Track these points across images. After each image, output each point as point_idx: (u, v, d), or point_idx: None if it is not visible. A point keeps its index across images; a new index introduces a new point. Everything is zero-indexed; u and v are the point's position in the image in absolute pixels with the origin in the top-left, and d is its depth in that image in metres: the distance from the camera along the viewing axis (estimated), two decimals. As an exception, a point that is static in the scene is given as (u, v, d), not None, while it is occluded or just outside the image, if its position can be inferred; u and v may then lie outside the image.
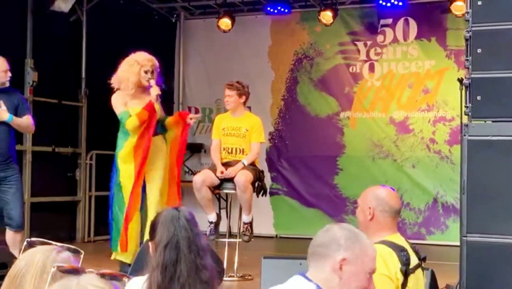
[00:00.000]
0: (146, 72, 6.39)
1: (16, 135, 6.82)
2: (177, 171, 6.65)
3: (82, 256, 2.08)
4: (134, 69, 6.38)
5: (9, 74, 6.53)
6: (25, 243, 2.13)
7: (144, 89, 6.45)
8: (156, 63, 6.51)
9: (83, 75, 9.73)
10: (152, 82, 6.40)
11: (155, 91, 6.38)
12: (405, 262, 3.32)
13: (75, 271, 1.75)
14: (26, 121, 6.55)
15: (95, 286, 1.65)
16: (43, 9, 8.95)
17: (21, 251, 2.11)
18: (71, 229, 9.57)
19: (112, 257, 6.41)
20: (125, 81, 6.38)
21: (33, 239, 2.13)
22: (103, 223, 9.80)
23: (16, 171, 6.54)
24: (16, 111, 6.50)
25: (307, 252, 2.71)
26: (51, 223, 9.07)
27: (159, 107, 6.57)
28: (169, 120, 6.69)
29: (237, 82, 7.01)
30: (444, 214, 9.77)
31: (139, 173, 6.30)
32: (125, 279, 1.78)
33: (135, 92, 6.39)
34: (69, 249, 2.08)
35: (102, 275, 1.71)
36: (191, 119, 6.69)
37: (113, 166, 6.53)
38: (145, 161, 6.32)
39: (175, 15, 11.25)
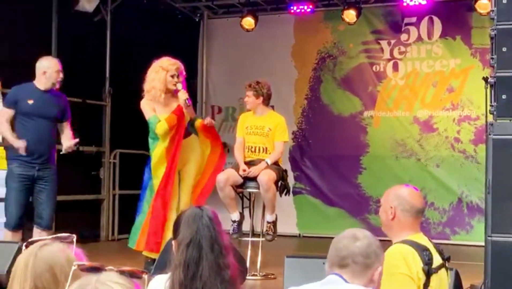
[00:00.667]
0: (172, 76, 6.41)
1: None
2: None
3: (74, 239, 2.09)
4: (160, 76, 6.40)
5: (61, 75, 6.61)
6: (23, 247, 2.14)
7: (172, 93, 6.46)
8: (181, 66, 6.52)
9: (107, 75, 9.79)
10: (179, 86, 6.42)
11: (183, 95, 6.40)
12: (427, 261, 3.30)
13: (95, 269, 1.76)
14: (71, 135, 6.70)
15: (115, 283, 1.65)
16: (67, 9, 9.02)
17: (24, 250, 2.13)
18: (95, 227, 9.63)
19: (144, 252, 6.46)
20: (152, 90, 6.41)
21: (30, 240, 2.15)
22: (127, 221, 9.87)
23: (53, 172, 6.63)
24: (62, 115, 6.63)
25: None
26: (75, 222, 9.11)
27: (190, 110, 6.60)
28: (198, 123, 6.73)
29: (257, 82, 7.00)
30: (469, 214, 9.69)
31: (168, 176, 6.32)
32: (145, 275, 1.79)
33: (163, 97, 6.41)
34: (62, 238, 2.10)
35: (122, 272, 1.72)
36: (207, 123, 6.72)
37: (146, 167, 6.56)
38: (174, 164, 6.34)
39: (198, 15, 11.28)
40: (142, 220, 6.43)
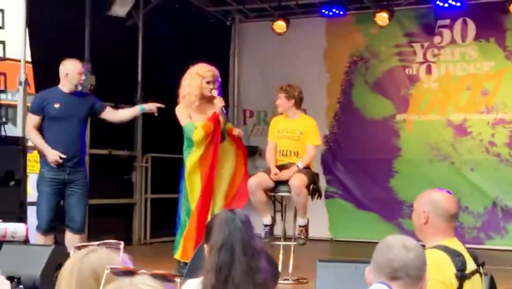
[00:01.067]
0: (208, 82, 6.41)
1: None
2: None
3: (122, 246, 2.08)
4: (196, 82, 6.41)
5: (83, 77, 6.71)
6: (72, 251, 2.15)
7: (208, 100, 6.45)
8: (217, 73, 6.52)
9: (139, 79, 9.84)
10: (215, 92, 6.42)
11: (220, 103, 6.40)
12: (460, 267, 3.24)
13: (128, 273, 1.76)
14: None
15: (148, 286, 1.65)
16: (100, 14, 9.09)
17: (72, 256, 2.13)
18: (127, 231, 9.68)
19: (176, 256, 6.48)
20: (187, 96, 6.42)
21: (79, 244, 2.15)
22: (159, 225, 9.91)
23: (84, 175, 6.70)
24: (92, 110, 6.72)
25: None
26: (108, 225, 9.19)
27: (223, 118, 6.61)
28: (227, 127, 6.75)
29: (288, 85, 6.99)
30: (503, 218, 9.57)
31: (207, 185, 6.32)
32: (177, 279, 1.78)
33: (199, 104, 6.42)
34: (109, 245, 2.09)
35: (154, 276, 1.72)
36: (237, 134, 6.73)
37: (181, 173, 6.58)
38: (213, 172, 6.34)
39: (230, 18, 11.29)
40: (183, 229, 6.42)
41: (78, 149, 6.65)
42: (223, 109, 6.42)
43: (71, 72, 6.62)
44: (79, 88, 6.69)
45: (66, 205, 6.62)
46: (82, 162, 6.72)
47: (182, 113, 6.44)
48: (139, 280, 1.68)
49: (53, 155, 6.46)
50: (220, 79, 6.57)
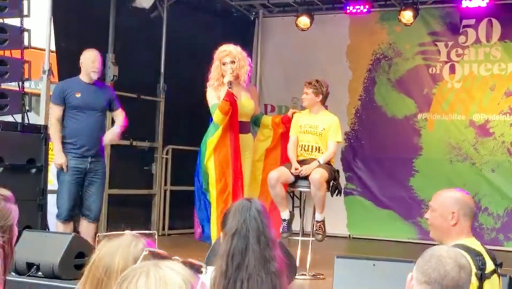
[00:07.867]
0: (224, 64, 6.59)
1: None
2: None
3: (156, 236, 2.09)
4: (215, 65, 6.61)
5: (97, 64, 6.79)
6: (97, 237, 2.16)
7: (237, 81, 6.62)
8: (233, 50, 6.63)
9: (162, 71, 9.87)
10: (227, 74, 6.53)
11: (226, 78, 6.50)
12: (481, 267, 3.23)
13: (160, 256, 1.75)
14: (123, 122, 6.86)
15: (172, 270, 1.61)
16: (125, 5, 9.14)
17: (96, 244, 2.12)
18: (146, 222, 9.72)
19: None
20: (210, 79, 6.64)
21: (105, 234, 2.14)
22: (177, 217, 9.95)
23: (104, 165, 6.82)
24: (110, 105, 6.82)
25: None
26: (127, 216, 9.24)
27: (253, 103, 6.78)
28: (268, 120, 7.01)
29: (316, 80, 6.98)
30: (524, 221, 9.50)
31: (235, 168, 6.49)
32: (204, 269, 1.76)
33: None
34: (145, 235, 2.08)
35: (183, 263, 1.70)
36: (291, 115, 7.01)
37: (198, 154, 6.75)
38: (236, 154, 6.50)
39: (254, 13, 11.29)
40: (213, 212, 6.56)
41: (99, 139, 6.74)
42: (228, 83, 6.51)
43: (85, 61, 6.75)
44: (94, 76, 6.74)
45: (84, 194, 6.68)
46: (102, 152, 6.82)
47: (210, 95, 6.60)
48: (166, 263, 1.65)
49: (60, 160, 6.55)
50: (241, 56, 6.65)
